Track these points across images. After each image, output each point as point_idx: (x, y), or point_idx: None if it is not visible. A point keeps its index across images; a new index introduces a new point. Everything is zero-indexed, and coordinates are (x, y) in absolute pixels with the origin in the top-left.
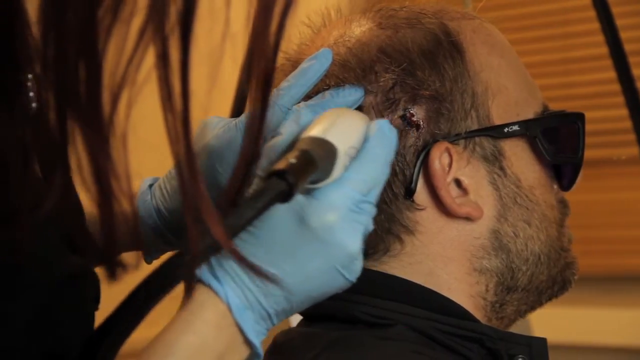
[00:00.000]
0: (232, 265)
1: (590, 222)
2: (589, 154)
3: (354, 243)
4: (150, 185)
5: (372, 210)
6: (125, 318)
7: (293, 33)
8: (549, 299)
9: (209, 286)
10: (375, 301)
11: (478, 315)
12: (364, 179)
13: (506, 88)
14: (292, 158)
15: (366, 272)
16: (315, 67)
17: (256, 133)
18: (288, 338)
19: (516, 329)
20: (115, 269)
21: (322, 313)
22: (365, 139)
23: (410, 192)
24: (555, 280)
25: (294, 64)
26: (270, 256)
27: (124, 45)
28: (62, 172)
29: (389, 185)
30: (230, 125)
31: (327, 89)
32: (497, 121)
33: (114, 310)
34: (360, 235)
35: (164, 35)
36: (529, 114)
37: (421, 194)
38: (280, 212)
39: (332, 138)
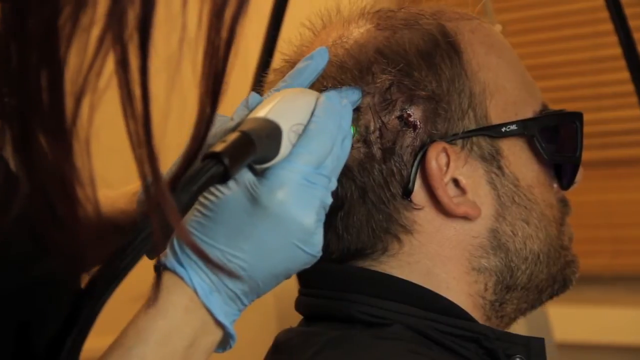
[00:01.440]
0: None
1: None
2: (617, 153)
3: (308, 216)
4: None
5: (326, 182)
6: (92, 299)
7: (293, 35)
8: (550, 297)
9: (174, 272)
10: (373, 301)
11: (477, 314)
12: (312, 152)
13: (504, 88)
14: (229, 139)
15: (364, 272)
16: (311, 66)
17: (202, 133)
18: (288, 337)
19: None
20: (81, 272)
21: (321, 313)
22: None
23: (407, 192)
24: (555, 278)
25: (293, 65)
26: (229, 237)
27: (85, 53)
28: (28, 179)
29: (386, 185)
30: (227, 121)
31: (325, 90)
32: (495, 121)
33: (80, 293)
34: (314, 208)
35: (123, 41)
36: (527, 113)
37: (419, 193)
38: (234, 194)
39: (274, 116)
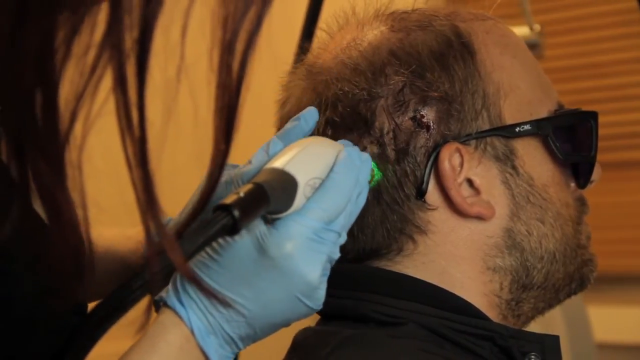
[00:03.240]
0: (196, 291)
1: None
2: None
3: (313, 272)
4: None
5: (336, 239)
6: (84, 336)
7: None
8: (568, 295)
9: (173, 310)
10: (387, 300)
11: (493, 313)
12: (325, 208)
13: (519, 88)
14: (242, 191)
15: (379, 272)
16: (298, 127)
17: (218, 170)
18: (305, 336)
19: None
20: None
21: (337, 312)
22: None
23: (421, 193)
24: (572, 277)
25: (308, 68)
26: (232, 283)
27: (80, 75)
28: (20, 202)
29: (400, 186)
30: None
31: (342, 93)
32: (510, 121)
33: (75, 328)
34: (321, 264)
35: (121, 62)
36: (542, 113)
37: (433, 194)
38: (243, 241)
39: (292, 169)
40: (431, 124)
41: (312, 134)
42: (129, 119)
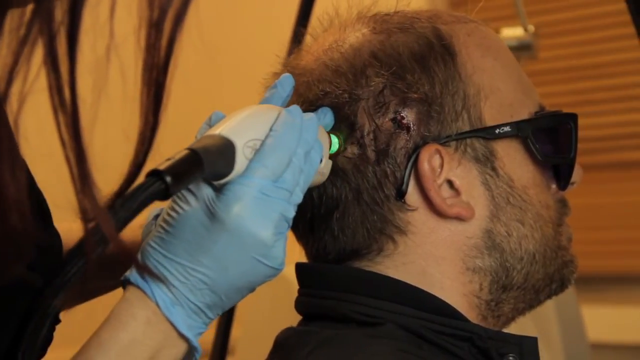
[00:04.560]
0: (156, 265)
1: None
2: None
3: (265, 230)
4: (156, 216)
5: (286, 195)
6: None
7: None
8: (548, 296)
9: (137, 286)
10: (367, 300)
11: (472, 313)
12: (267, 165)
13: (499, 90)
14: (174, 158)
15: (359, 272)
16: (276, 94)
17: (147, 144)
18: (286, 336)
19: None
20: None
21: (318, 312)
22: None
23: (401, 194)
24: (552, 278)
25: (290, 69)
26: (189, 252)
27: (10, 49)
28: None
29: (380, 187)
30: None
31: (323, 95)
32: (490, 122)
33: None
34: (272, 221)
35: (52, 36)
36: (522, 115)
37: (412, 195)
38: (193, 209)
39: (228, 133)
40: (411, 125)
41: None
42: (61, 95)
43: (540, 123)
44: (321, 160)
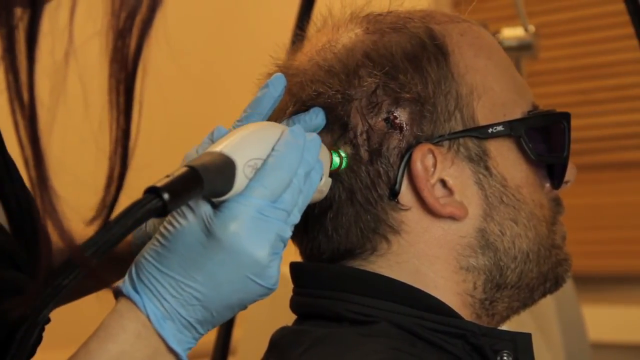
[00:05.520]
0: (149, 278)
1: None
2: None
3: (261, 250)
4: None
5: (283, 216)
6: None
7: (287, 38)
8: (543, 295)
9: (129, 298)
10: (360, 299)
11: (466, 312)
12: (266, 186)
13: (492, 89)
14: (173, 174)
15: (353, 271)
16: (268, 94)
17: (122, 152)
18: (281, 336)
19: None
20: None
21: (313, 311)
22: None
23: (394, 193)
24: (546, 277)
25: (284, 70)
26: (183, 267)
27: None
28: None
29: (373, 186)
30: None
31: (316, 95)
32: (483, 122)
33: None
34: (269, 242)
35: (12, 39)
36: (515, 114)
37: (406, 194)
38: (190, 225)
39: (229, 151)
40: (404, 125)
41: None
42: (19, 96)
43: (533, 122)
44: (321, 178)
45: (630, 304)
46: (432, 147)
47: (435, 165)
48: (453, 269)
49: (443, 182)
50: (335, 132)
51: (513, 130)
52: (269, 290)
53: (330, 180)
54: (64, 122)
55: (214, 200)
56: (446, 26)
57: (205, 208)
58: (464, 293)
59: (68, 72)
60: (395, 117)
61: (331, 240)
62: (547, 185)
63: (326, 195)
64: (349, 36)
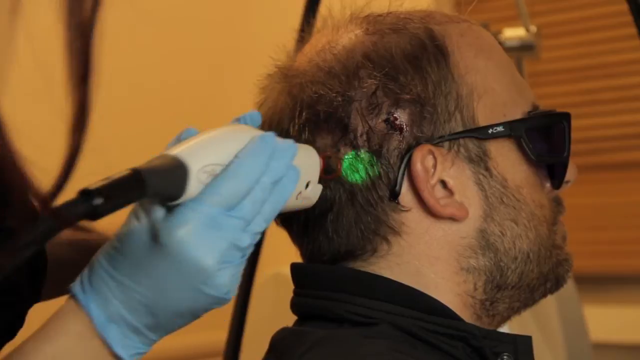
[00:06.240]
0: (98, 280)
1: None
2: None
3: (208, 258)
4: None
5: (239, 224)
6: None
7: (287, 39)
8: (543, 295)
9: (76, 298)
10: (361, 301)
11: (466, 313)
12: (221, 193)
13: (493, 90)
14: (114, 176)
15: (354, 273)
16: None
17: (79, 137)
18: (281, 337)
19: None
20: None
21: (313, 313)
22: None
23: (394, 195)
24: (547, 277)
25: (284, 71)
26: (131, 271)
27: None
28: None
29: (374, 188)
30: None
31: (316, 96)
32: (483, 122)
33: None
34: (218, 250)
35: None
36: (516, 114)
37: (406, 195)
38: (141, 227)
39: (184, 155)
40: (404, 126)
41: (290, 136)
42: None
43: (533, 123)
44: (308, 185)
45: (632, 304)
46: (432, 148)
47: (435, 166)
48: (453, 270)
49: (443, 183)
50: (336, 133)
51: (513, 130)
52: (222, 300)
53: (320, 187)
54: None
55: (169, 204)
56: (446, 27)
57: (158, 212)
58: (464, 294)
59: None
60: (396, 118)
61: (332, 241)
62: (548, 185)
63: (327, 197)
64: (349, 37)
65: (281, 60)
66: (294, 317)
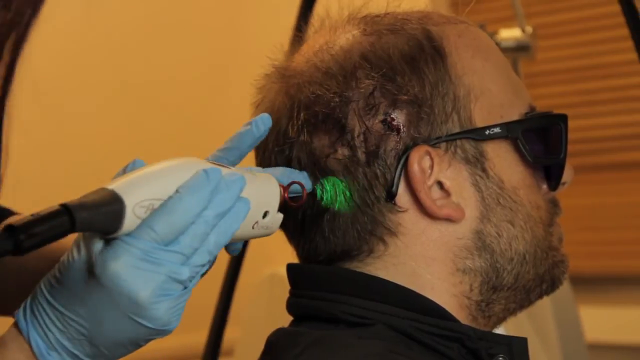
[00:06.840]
0: (39, 308)
1: None
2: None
3: (141, 292)
4: None
5: (177, 259)
6: None
7: (284, 39)
8: (539, 296)
9: (17, 326)
10: (357, 301)
11: (462, 314)
12: (157, 230)
13: (490, 91)
14: (41, 212)
15: (350, 273)
16: (249, 132)
17: None
18: (277, 337)
19: None
20: None
21: (309, 313)
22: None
23: (391, 195)
24: (543, 278)
25: (281, 71)
26: (69, 301)
27: None
28: None
29: (370, 188)
30: None
31: (314, 96)
32: (480, 123)
33: None
34: (153, 284)
35: None
36: (513, 115)
37: (403, 196)
38: (80, 259)
39: (121, 189)
40: (401, 127)
41: (288, 136)
42: None
43: (530, 124)
44: (266, 215)
45: (629, 305)
46: (429, 148)
47: (432, 167)
48: (449, 271)
49: (440, 184)
50: (333, 134)
51: (510, 131)
52: (162, 331)
53: (280, 216)
54: None
55: (108, 237)
56: (444, 27)
57: (97, 244)
58: (460, 295)
59: None
60: (393, 119)
61: (328, 241)
62: (544, 186)
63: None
64: (347, 37)
65: (279, 60)
66: (290, 318)
